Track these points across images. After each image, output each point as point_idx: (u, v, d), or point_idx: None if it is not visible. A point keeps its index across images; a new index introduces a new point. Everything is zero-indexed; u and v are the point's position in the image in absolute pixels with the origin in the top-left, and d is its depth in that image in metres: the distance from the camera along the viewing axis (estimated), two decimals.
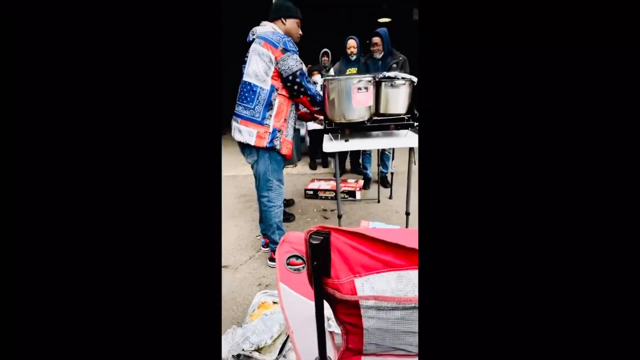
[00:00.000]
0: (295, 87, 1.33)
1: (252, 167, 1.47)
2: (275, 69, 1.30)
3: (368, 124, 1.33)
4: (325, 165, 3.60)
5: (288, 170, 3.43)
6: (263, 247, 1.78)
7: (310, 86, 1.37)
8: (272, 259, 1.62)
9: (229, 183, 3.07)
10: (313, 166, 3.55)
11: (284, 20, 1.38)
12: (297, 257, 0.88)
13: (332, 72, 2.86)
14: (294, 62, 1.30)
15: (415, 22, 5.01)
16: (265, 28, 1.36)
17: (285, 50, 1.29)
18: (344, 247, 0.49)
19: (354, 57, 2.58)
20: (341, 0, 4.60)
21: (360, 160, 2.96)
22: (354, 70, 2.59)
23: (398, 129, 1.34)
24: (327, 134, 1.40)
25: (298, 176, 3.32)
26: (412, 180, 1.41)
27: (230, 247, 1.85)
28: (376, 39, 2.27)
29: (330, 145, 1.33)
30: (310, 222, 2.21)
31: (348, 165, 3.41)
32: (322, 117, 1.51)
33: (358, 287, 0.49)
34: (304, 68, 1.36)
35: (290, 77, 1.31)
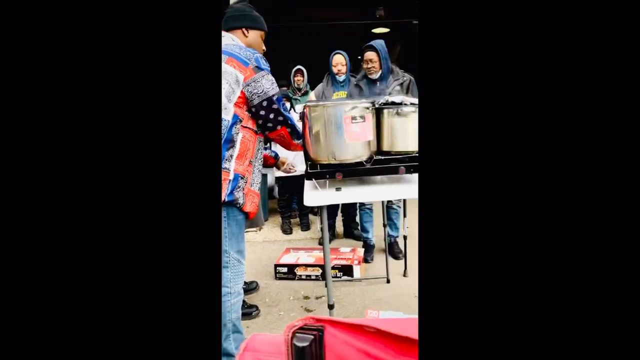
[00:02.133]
0: (272, 115, 1.41)
1: None
2: (241, 92, 1.38)
3: (368, 166, 1.39)
4: (305, 227, 3.59)
5: (249, 237, 3.37)
6: None
7: (289, 115, 1.46)
8: None
9: None
10: (287, 229, 3.53)
11: (245, 32, 1.52)
12: None
13: (312, 96, 3.06)
14: (269, 85, 1.39)
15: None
16: (225, 40, 1.47)
17: (258, 68, 1.39)
18: (348, 351, 0.47)
19: (342, 78, 2.81)
20: (324, 4, 5.09)
21: (358, 219, 2.99)
22: (343, 93, 2.79)
23: (410, 172, 1.40)
24: (310, 180, 1.43)
25: (265, 245, 3.26)
26: None
27: None
28: (370, 54, 2.49)
29: (315, 196, 1.35)
30: (285, 317, 2.11)
31: (339, 227, 3.42)
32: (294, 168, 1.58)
33: None
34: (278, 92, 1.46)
35: (265, 103, 1.39)
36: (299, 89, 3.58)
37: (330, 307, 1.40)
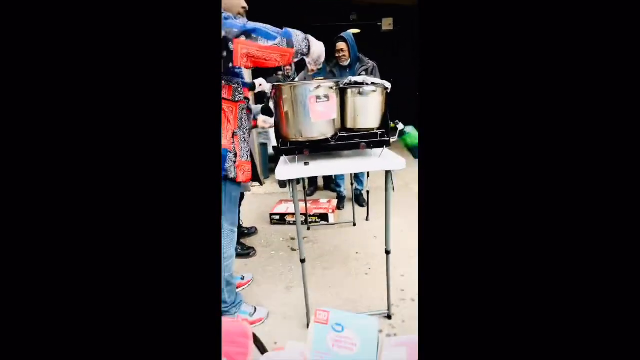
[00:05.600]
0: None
1: None
2: None
3: (332, 142, 1.04)
4: (297, 181, 3.28)
5: (255, 190, 3.06)
6: None
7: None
8: None
9: None
10: (283, 184, 3.21)
11: None
12: None
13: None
14: (236, 26, 0.86)
15: (385, 33, 4.94)
16: None
17: None
18: None
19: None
20: (308, 10, 4.42)
21: (333, 177, 2.67)
22: (320, 79, 2.33)
23: (370, 148, 1.06)
24: (282, 155, 1.08)
25: (265, 197, 2.96)
26: (390, 206, 1.13)
27: None
28: (341, 45, 2.03)
29: (286, 170, 1.02)
30: (275, 255, 1.86)
31: (321, 182, 3.11)
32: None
33: None
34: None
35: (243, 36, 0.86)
36: (288, 77, 3.10)
37: (302, 261, 1.12)
